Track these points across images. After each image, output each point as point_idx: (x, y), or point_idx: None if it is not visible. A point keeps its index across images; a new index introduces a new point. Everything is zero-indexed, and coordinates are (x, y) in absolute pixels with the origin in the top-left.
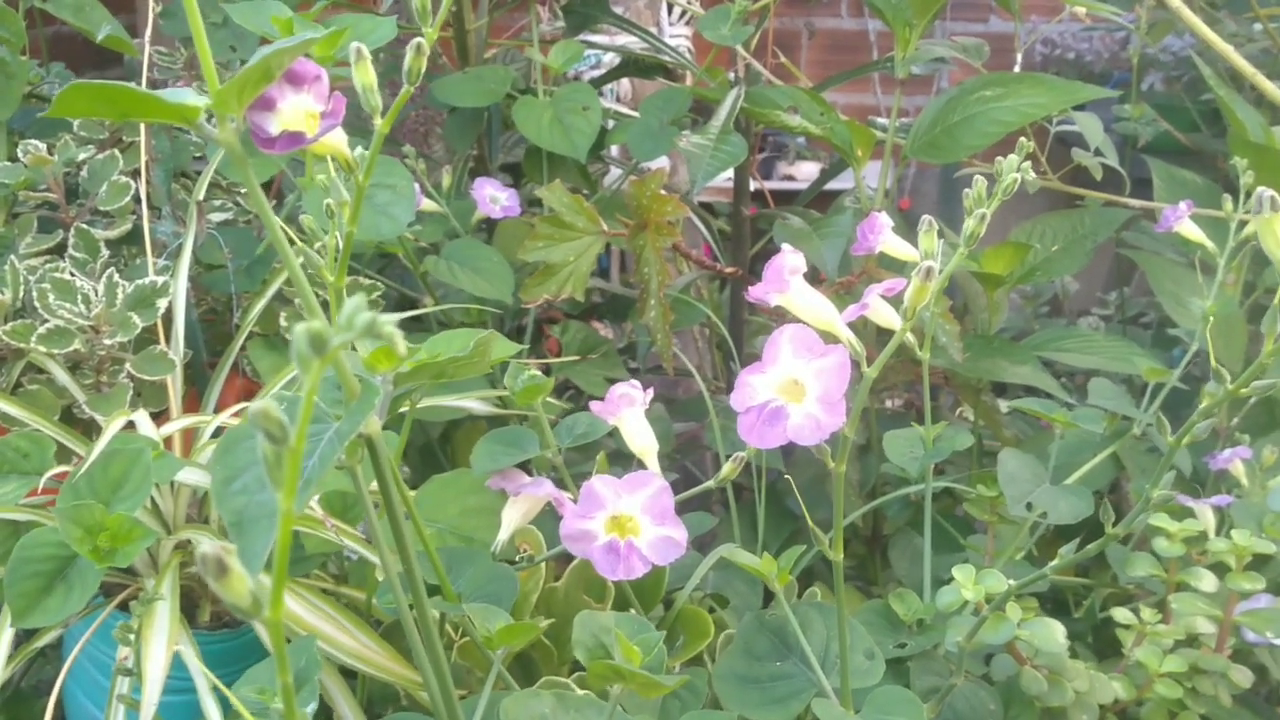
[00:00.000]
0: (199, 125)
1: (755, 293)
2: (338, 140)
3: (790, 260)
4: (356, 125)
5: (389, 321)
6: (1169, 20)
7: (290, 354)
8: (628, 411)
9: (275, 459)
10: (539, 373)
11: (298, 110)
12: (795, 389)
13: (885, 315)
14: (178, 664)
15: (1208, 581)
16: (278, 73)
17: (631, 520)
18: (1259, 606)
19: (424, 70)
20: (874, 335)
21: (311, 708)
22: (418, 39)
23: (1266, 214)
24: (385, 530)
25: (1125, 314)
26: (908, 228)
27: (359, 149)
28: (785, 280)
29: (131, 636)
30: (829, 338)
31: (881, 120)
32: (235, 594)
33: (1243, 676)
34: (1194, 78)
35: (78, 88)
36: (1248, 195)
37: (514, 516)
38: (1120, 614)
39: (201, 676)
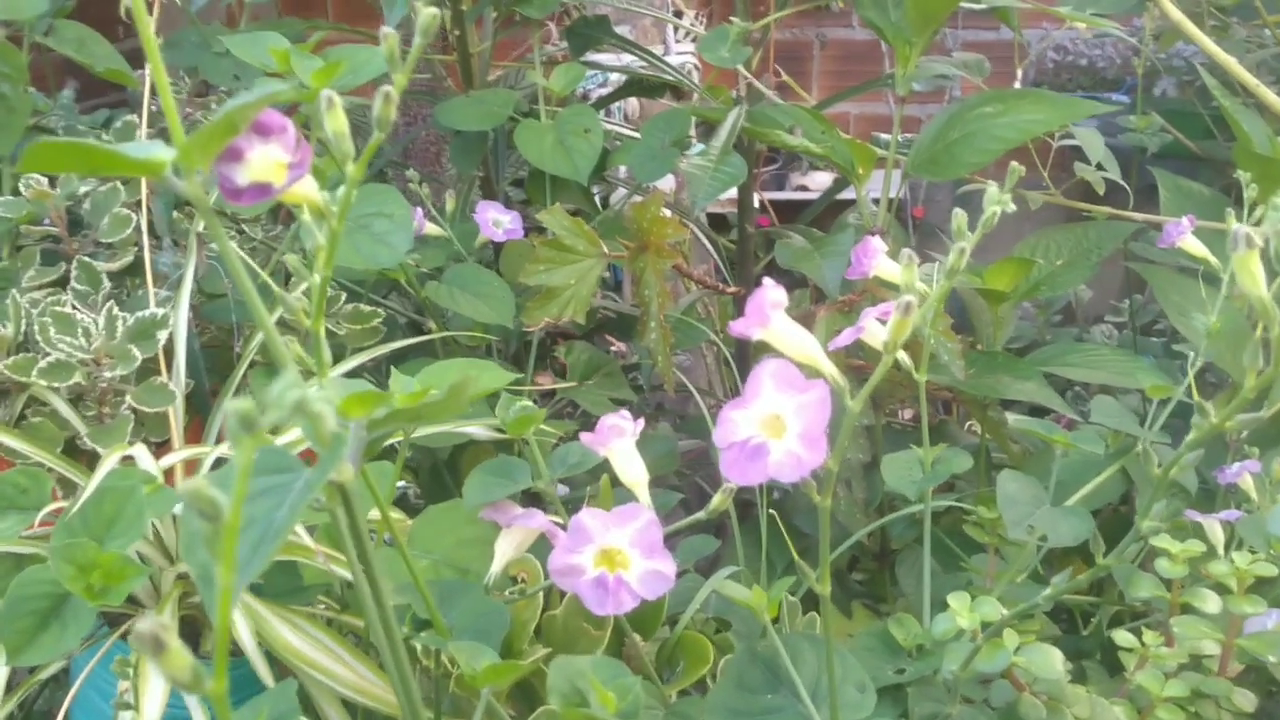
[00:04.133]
0: (166, 179)
1: (737, 328)
2: (307, 188)
3: (771, 295)
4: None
5: (320, 399)
6: (1175, 31)
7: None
8: (618, 443)
9: (212, 534)
10: (531, 404)
11: (266, 160)
12: (777, 425)
13: (882, 338)
14: (177, 695)
15: (1211, 603)
16: (243, 126)
17: (621, 554)
18: (1266, 627)
19: (430, 91)
20: (876, 354)
21: None
22: (385, 87)
23: (1241, 252)
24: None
25: (1138, 322)
26: (921, 236)
27: (340, 189)
28: (767, 315)
29: (130, 670)
30: (812, 372)
31: (885, 136)
32: (175, 670)
33: (1245, 700)
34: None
35: (43, 146)
36: (1252, 208)
37: (507, 548)
38: (1122, 637)
39: (200, 711)
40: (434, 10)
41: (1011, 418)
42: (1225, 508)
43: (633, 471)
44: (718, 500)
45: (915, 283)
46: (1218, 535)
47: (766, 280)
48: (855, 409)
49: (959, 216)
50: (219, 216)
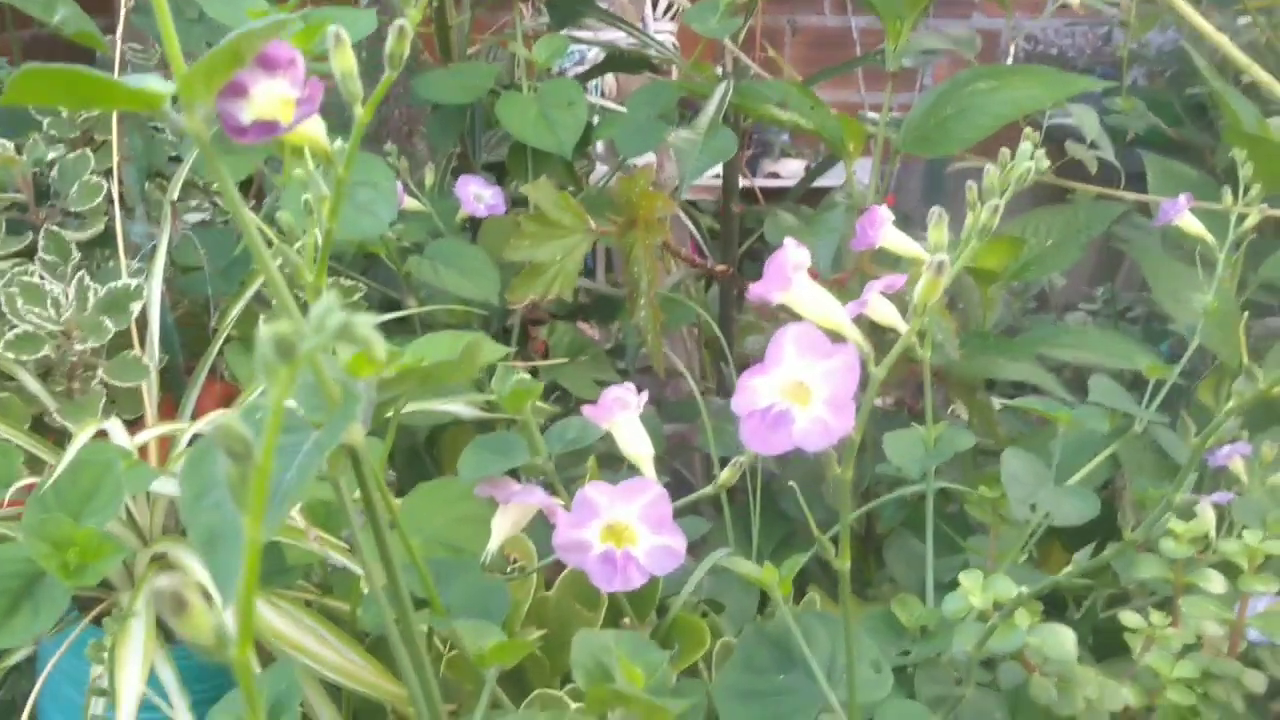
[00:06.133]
0: (165, 113)
1: (756, 291)
2: (315, 130)
3: (793, 255)
4: (340, 121)
5: (366, 323)
6: (1153, 15)
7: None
8: (622, 416)
9: (240, 479)
10: (528, 376)
11: (272, 97)
12: (800, 391)
13: (884, 312)
14: (155, 680)
15: (1217, 583)
16: (248, 56)
17: (628, 529)
18: (1259, 608)
19: (407, 65)
20: (867, 330)
21: None
22: (400, 20)
23: None
24: (369, 542)
25: (1115, 308)
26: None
27: (339, 142)
28: (788, 277)
29: (105, 655)
30: (835, 336)
31: (872, 115)
32: (197, 631)
33: (1255, 681)
34: (1177, 72)
35: (34, 72)
36: (1247, 187)
37: (504, 525)
38: (1129, 618)
39: (179, 695)
40: None
41: (997, 400)
42: (1213, 490)
43: (637, 445)
44: (727, 474)
45: (944, 241)
46: (1209, 517)
47: (788, 240)
48: (880, 375)
49: (990, 173)
50: (192, 189)
